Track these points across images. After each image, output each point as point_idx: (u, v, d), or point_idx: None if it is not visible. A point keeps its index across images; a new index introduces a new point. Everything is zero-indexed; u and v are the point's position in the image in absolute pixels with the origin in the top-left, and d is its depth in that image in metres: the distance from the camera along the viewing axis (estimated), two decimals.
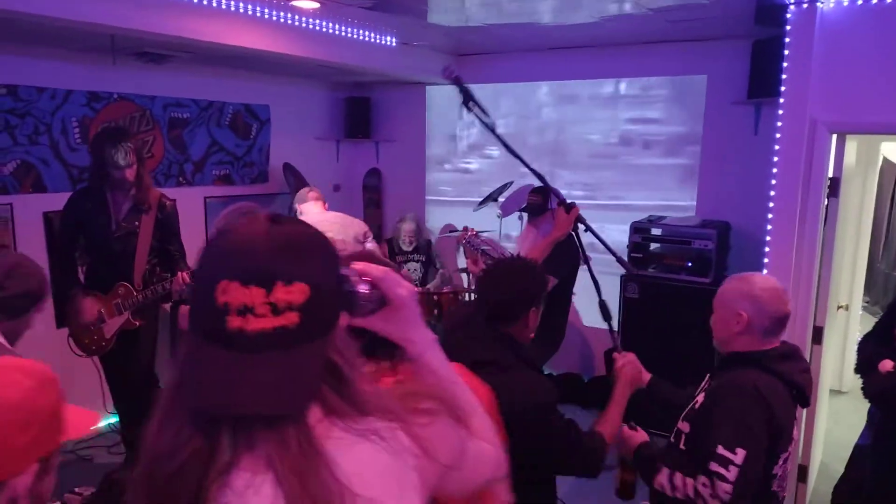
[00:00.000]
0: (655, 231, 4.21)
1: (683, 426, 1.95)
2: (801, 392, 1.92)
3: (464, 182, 5.65)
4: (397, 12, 3.73)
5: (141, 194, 3.32)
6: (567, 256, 3.19)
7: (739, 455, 1.75)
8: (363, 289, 0.88)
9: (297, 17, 3.70)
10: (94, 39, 3.49)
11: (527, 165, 2.63)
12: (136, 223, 3.36)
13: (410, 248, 5.22)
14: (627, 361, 2.19)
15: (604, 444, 1.92)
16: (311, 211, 3.87)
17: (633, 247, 4.20)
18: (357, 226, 3.97)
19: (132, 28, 3.14)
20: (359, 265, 0.89)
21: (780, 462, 1.90)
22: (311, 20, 3.78)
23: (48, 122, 3.91)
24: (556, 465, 1.90)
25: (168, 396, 0.77)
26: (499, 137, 2.53)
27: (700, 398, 1.94)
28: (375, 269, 0.90)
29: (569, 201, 2.98)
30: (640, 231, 4.21)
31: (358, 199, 6.05)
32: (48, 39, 3.59)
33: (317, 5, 3.37)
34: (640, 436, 2.05)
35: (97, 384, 3.50)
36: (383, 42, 4.35)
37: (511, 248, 4.77)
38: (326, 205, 4.06)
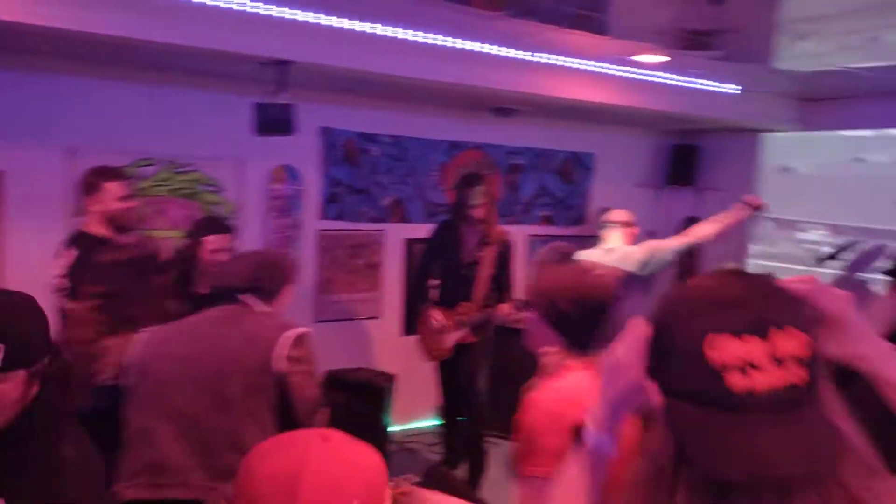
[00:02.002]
0: None
1: None
2: None
3: None
4: (742, 60, 3.68)
5: (487, 230, 3.80)
6: None
7: None
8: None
9: (637, 70, 3.88)
10: (458, 98, 4.13)
11: None
12: (481, 254, 3.83)
13: None
14: None
15: None
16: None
17: None
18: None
19: (490, 87, 3.65)
20: (788, 284, 0.79)
21: None
22: (652, 73, 3.93)
23: (416, 166, 4.70)
24: None
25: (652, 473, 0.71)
26: None
27: None
28: (799, 285, 0.80)
29: None
30: None
31: None
32: (423, 98, 4.34)
33: (665, 59, 3.51)
34: None
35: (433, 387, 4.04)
36: (724, 90, 4.30)
37: None
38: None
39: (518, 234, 5.17)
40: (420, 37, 3.31)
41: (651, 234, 5.94)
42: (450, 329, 3.88)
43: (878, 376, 0.83)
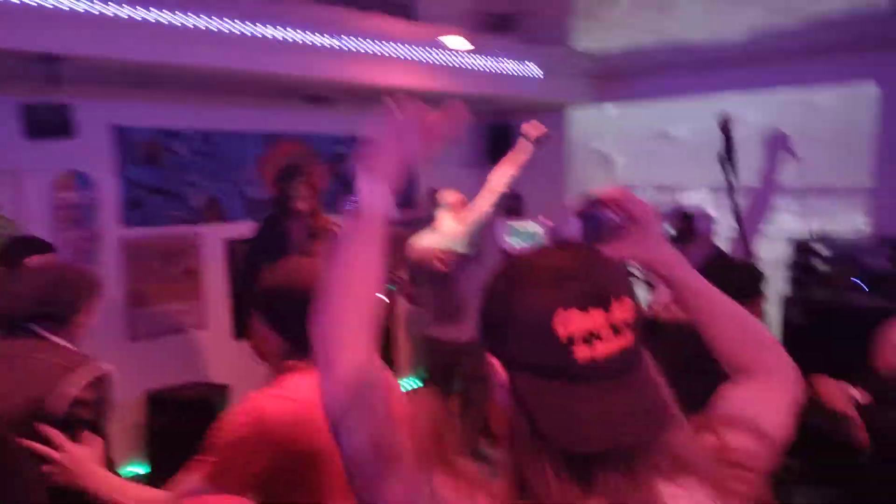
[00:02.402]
0: (821, 249, 3.95)
1: None
2: None
3: None
4: (541, 42, 3.84)
5: (315, 223, 3.66)
6: None
7: None
8: (610, 214, 0.84)
9: (445, 54, 3.91)
10: (269, 86, 3.91)
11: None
12: (311, 248, 3.69)
13: None
14: None
15: None
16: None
17: (795, 267, 3.97)
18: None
19: (302, 74, 3.50)
20: (602, 191, 0.85)
21: None
22: (459, 57, 3.98)
23: (230, 161, 4.40)
24: None
25: (520, 445, 0.70)
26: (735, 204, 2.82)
27: None
28: (615, 191, 0.87)
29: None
30: (803, 249, 3.97)
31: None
32: (232, 89, 4.06)
33: (469, 46, 3.55)
34: None
35: None
36: (527, 72, 4.47)
37: None
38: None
39: None
40: (216, 24, 3.05)
41: None
42: None
43: (674, 278, 0.90)
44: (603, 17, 3.38)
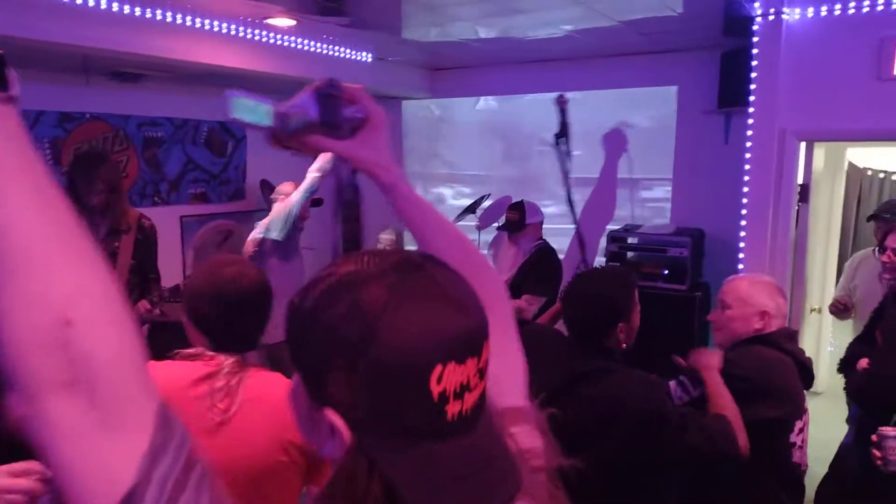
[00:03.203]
0: (632, 240, 4.26)
1: None
2: (807, 370, 2.06)
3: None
4: (372, 28, 3.76)
5: (116, 217, 3.28)
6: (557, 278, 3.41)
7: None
8: (351, 108, 0.79)
9: (272, 34, 3.71)
10: (66, 60, 3.45)
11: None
12: (116, 244, 3.32)
13: None
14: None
15: (726, 421, 1.76)
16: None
17: (610, 256, 4.25)
18: None
19: (106, 48, 3.12)
20: (345, 85, 0.78)
21: (796, 431, 2.03)
22: (286, 37, 3.79)
23: None
24: (680, 457, 1.78)
25: None
26: (566, 176, 2.85)
27: None
28: (357, 87, 0.81)
29: None
30: (616, 240, 4.26)
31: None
32: (18, 60, 3.54)
33: (293, 23, 3.39)
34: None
35: None
36: (358, 58, 4.37)
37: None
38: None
39: (167, 216, 4.66)
40: None
41: (315, 204, 5.93)
42: None
43: (398, 189, 0.86)
44: (433, 6, 3.36)
